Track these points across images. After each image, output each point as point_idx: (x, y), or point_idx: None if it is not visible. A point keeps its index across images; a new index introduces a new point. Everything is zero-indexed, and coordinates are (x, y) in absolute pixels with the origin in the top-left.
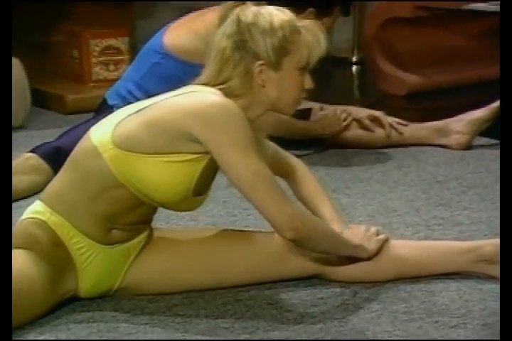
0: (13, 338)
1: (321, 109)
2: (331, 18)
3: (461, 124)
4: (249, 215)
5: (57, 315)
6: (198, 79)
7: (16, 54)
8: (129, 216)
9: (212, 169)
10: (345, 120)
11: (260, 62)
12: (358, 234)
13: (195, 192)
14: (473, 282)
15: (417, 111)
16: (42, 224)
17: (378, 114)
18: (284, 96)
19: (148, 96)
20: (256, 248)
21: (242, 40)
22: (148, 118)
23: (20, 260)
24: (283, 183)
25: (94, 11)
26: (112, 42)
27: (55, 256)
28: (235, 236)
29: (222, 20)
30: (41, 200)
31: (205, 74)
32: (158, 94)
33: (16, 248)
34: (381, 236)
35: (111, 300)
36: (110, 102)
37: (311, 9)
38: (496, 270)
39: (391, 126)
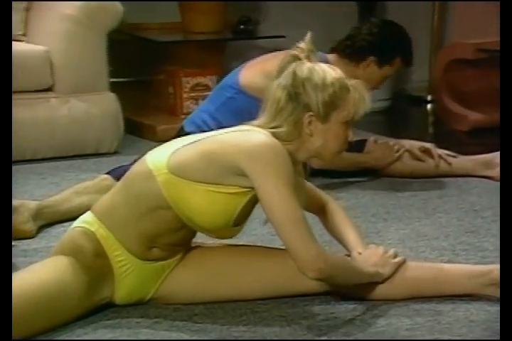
0: (43, 338)
1: (375, 141)
2: (392, 67)
3: None
4: None
5: (90, 320)
6: (252, 122)
7: (120, 90)
8: (170, 237)
9: (253, 203)
10: (397, 151)
11: (310, 113)
12: (375, 255)
13: (234, 223)
14: (482, 304)
15: (478, 146)
16: (90, 234)
17: (429, 145)
18: (328, 146)
19: (220, 126)
20: (273, 264)
21: (296, 92)
22: (203, 150)
23: (62, 267)
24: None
25: (190, 53)
26: (201, 79)
27: (96, 266)
28: (256, 253)
29: (280, 71)
30: (92, 212)
31: (260, 119)
32: (228, 125)
33: (62, 254)
34: (397, 259)
35: (141, 307)
36: (186, 129)
37: (372, 58)
38: None
39: (440, 157)
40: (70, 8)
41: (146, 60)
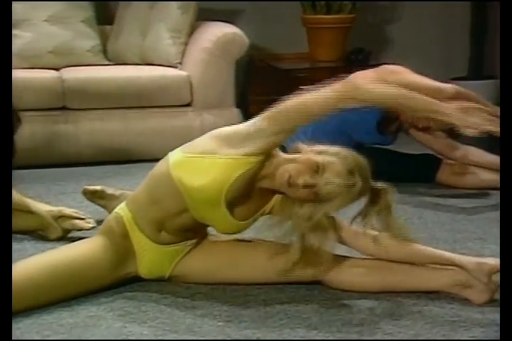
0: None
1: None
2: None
3: None
4: None
5: (117, 290)
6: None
7: (260, 106)
8: (174, 223)
9: (248, 188)
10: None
11: None
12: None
13: (228, 201)
14: (443, 301)
15: None
16: (119, 219)
17: None
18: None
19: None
20: (268, 255)
21: None
22: (211, 133)
23: (96, 244)
24: None
25: (313, 77)
26: None
27: (122, 245)
28: (260, 246)
29: None
30: (125, 200)
31: None
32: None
33: (100, 234)
34: None
35: (162, 284)
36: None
37: None
38: (468, 293)
39: None
40: (207, 42)
41: (280, 83)
